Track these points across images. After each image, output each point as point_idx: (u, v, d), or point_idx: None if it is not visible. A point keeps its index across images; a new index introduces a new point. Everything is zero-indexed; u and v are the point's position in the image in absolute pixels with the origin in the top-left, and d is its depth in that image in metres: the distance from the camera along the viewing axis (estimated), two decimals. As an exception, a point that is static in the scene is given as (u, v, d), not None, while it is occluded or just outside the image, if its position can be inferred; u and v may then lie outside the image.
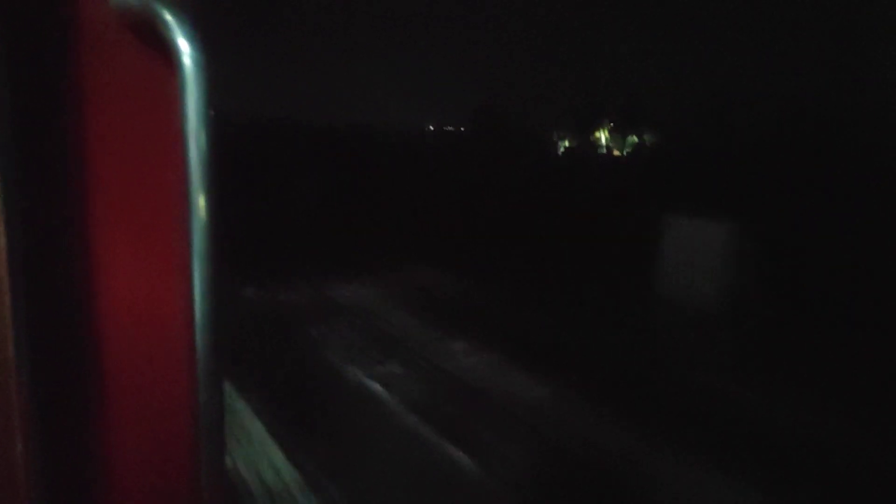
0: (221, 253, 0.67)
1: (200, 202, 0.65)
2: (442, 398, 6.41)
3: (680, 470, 5.16)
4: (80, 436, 0.70)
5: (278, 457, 4.77)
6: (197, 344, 0.66)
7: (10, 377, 0.62)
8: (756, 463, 5.29)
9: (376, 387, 6.63)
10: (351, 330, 8.63)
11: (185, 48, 0.64)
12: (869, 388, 6.79)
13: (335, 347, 7.90)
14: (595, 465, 5.23)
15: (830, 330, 8.56)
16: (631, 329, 9.03)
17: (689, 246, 10.33)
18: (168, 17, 0.64)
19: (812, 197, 13.09)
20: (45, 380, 0.65)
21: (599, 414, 6.16)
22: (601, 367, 7.51)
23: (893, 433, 5.75)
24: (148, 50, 0.69)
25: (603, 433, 5.74)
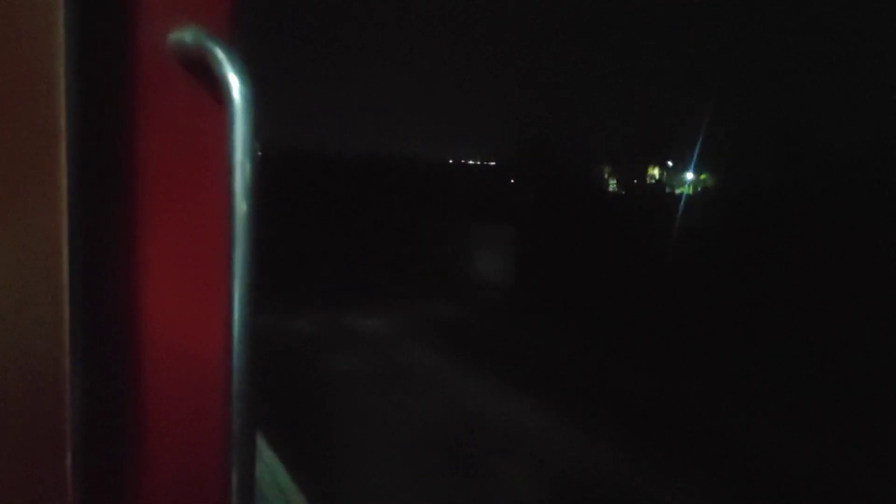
0: (261, 281, 0.70)
1: (244, 231, 0.69)
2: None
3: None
4: (121, 439, 0.73)
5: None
6: (234, 360, 0.69)
7: (63, 379, 0.65)
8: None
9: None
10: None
11: (234, 83, 0.68)
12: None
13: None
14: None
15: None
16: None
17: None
18: (220, 53, 0.69)
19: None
20: (92, 385, 0.68)
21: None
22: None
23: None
24: (200, 84, 0.73)
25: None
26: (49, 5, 0.62)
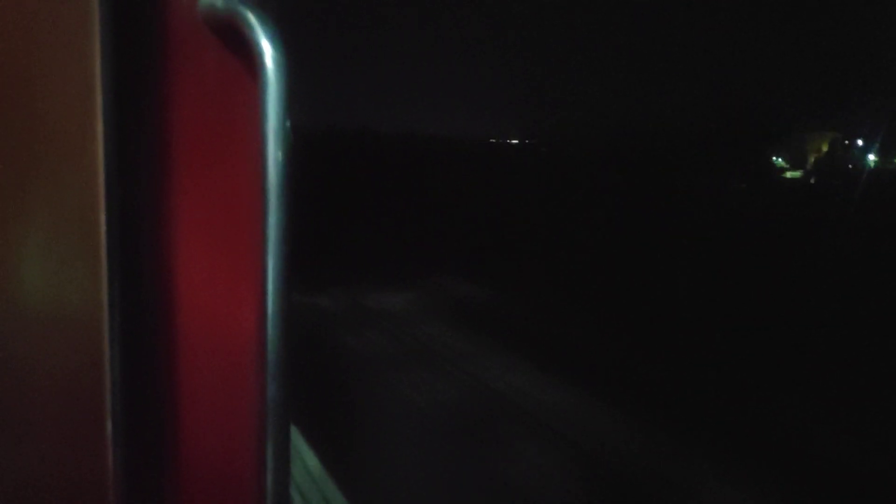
0: (294, 252, 0.68)
1: (276, 201, 0.66)
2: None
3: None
4: (159, 424, 0.72)
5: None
6: (268, 341, 0.67)
7: (103, 365, 0.64)
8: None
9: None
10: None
11: (267, 49, 0.66)
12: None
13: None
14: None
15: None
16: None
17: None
18: (252, 19, 0.66)
19: None
20: (130, 370, 0.67)
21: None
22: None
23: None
24: (232, 50, 0.71)
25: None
26: None
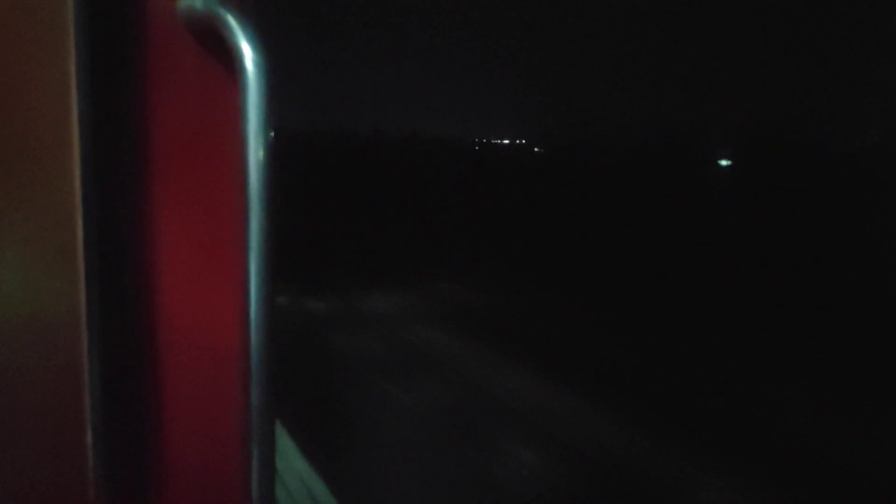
0: (277, 256, 0.68)
1: (258, 203, 0.66)
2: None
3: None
4: (141, 428, 0.72)
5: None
6: (251, 344, 0.67)
7: (81, 368, 0.63)
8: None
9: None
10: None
11: (247, 51, 0.65)
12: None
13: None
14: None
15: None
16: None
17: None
18: (232, 21, 0.65)
19: None
20: (110, 373, 0.67)
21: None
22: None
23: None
24: (212, 52, 0.70)
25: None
26: None
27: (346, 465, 5.03)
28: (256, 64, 0.65)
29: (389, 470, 5.12)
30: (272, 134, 0.67)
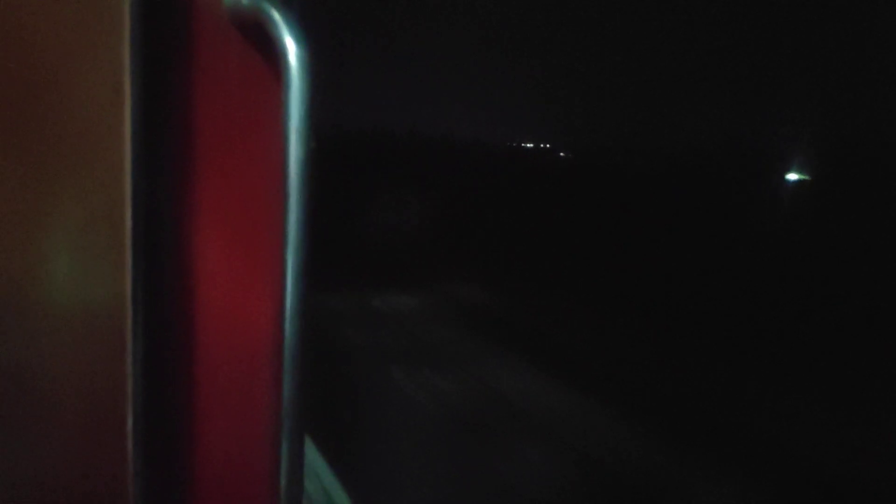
0: (314, 252, 0.68)
1: (298, 200, 0.66)
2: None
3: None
4: (177, 420, 0.73)
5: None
6: (286, 343, 0.67)
7: (125, 355, 0.65)
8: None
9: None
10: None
11: (291, 47, 0.65)
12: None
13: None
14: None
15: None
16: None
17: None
18: (277, 16, 0.66)
19: None
20: (151, 361, 0.68)
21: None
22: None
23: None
24: (257, 48, 0.71)
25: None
26: None
27: (357, 460, 5.05)
28: (300, 59, 0.65)
29: (398, 464, 5.13)
30: (313, 130, 0.67)
